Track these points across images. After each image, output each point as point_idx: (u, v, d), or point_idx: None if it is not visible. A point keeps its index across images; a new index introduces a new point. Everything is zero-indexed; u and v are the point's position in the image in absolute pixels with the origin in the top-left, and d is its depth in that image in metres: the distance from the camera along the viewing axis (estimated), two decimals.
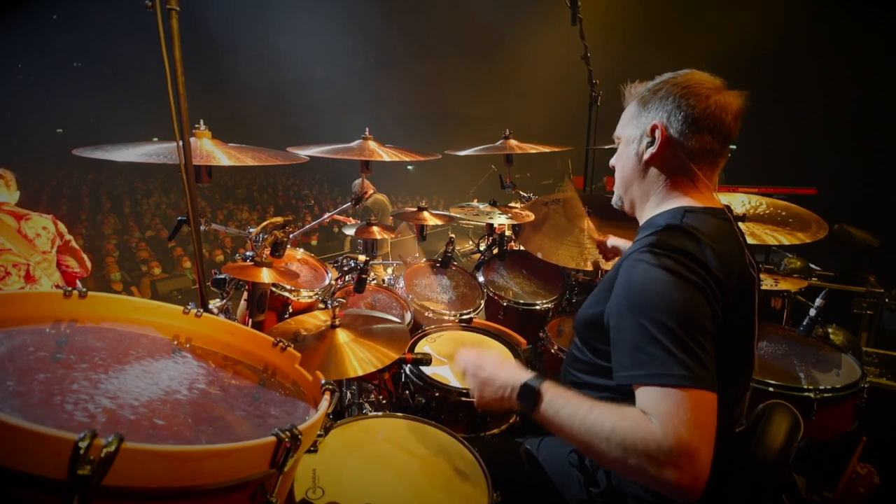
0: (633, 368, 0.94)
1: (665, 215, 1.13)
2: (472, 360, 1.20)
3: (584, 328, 1.21)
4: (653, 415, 0.88)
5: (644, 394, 0.92)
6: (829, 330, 2.91)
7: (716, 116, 1.08)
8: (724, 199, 2.46)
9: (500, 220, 2.58)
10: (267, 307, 1.78)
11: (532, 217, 2.57)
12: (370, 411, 1.91)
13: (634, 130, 1.18)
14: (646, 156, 1.15)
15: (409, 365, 1.76)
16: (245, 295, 1.89)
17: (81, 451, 0.52)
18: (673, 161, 1.13)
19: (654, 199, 1.19)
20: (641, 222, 1.22)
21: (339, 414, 1.90)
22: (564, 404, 0.99)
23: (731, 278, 1.02)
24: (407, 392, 1.81)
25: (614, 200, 1.31)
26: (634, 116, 1.18)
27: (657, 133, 1.12)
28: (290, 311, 2.07)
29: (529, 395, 1.04)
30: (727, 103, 1.09)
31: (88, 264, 3.04)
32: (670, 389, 0.89)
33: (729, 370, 1.07)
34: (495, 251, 2.75)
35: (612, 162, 1.29)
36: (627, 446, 0.87)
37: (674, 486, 0.84)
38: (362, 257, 2.11)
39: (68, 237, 2.92)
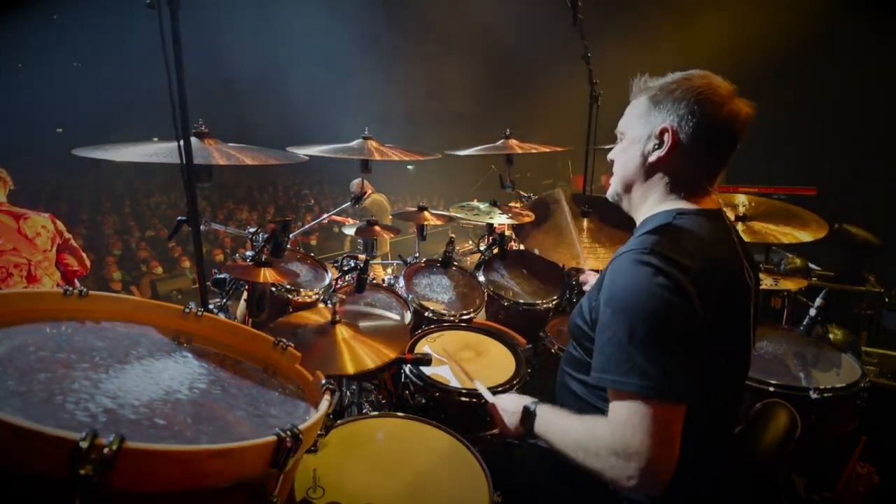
0: (603, 371, 0.99)
1: (660, 216, 1.13)
2: (494, 400, 1.37)
3: (577, 327, 1.21)
4: (609, 420, 0.97)
5: (610, 398, 0.99)
6: (829, 330, 2.91)
7: (726, 126, 1.07)
8: (725, 199, 2.46)
9: (500, 220, 2.58)
10: (267, 307, 1.78)
11: (532, 217, 2.57)
12: (370, 411, 1.91)
13: (642, 129, 1.14)
14: (651, 158, 1.13)
15: (408, 365, 1.76)
16: (245, 295, 1.89)
17: (83, 451, 0.52)
18: (678, 165, 1.12)
19: (652, 200, 1.17)
20: (638, 221, 1.22)
21: (339, 414, 1.90)
22: (551, 420, 1.14)
23: (717, 283, 1.01)
24: (407, 392, 1.81)
25: (610, 194, 1.28)
26: (643, 115, 1.14)
27: (667, 137, 1.09)
28: (290, 310, 2.07)
29: (528, 416, 1.19)
30: (738, 112, 1.08)
31: (87, 262, 3.04)
32: (628, 397, 0.94)
33: (720, 373, 1.07)
34: (495, 251, 2.75)
35: (611, 156, 1.25)
36: (587, 452, 1.00)
37: (627, 487, 0.93)
38: (362, 257, 2.11)
39: (67, 235, 2.92)
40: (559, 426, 1.10)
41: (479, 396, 1.68)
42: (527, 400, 1.23)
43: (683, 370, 0.94)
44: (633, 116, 1.17)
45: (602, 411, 1.08)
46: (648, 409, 0.91)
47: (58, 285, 2.61)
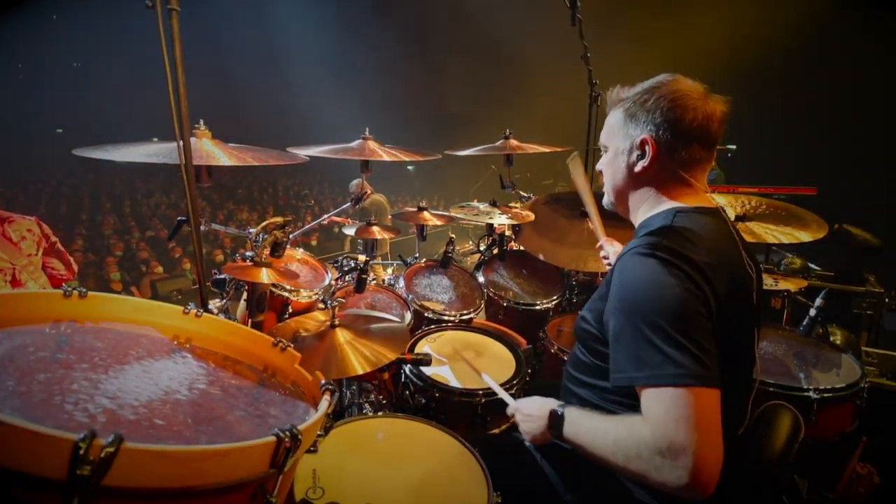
0: (631, 371, 0.96)
1: (658, 217, 1.15)
2: (516, 405, 1.28)
3: (584, 331, 1.21)
4: (646, 418, 0.92)
5: (643, 397, 0.94)
6: (830, 330, 2.91)
7: (703, 127, 1.09)
8: (725, 199, 2.46)
9: (500, 220, 2.58)
10: (267, 307, 1.78)
11: (532, 217, 2.57)
12: (370, 411, 1.91)
13: (622, 142, 1.17)
14: (637, 168, 1.16)
15: (408, 365, 1.76)
16: (245, 295, 1.89)
17: (81, 451, 0.52)
18: (664, 171, 1.15)
19: (647, 204, 1.20)
20: (636, 225, 1.24)
21: (339, 414, 1.90)
22: (582, 424, 1.06)
23: (722, 275, 1.02)
24: (407, 392, 1.81)
25: (606, 203, 1.32)
26: (621, 127, 1.18)
27: (647, 148, 1.12)
28: (290, 311, 2.07)
29: (556, 420, 1.10)
30: (713, 111, 1.10)
31: (75, 267, 2.97)
32: (663, 389, 0.90)
33: (727, 371, 1.07)
34: (495, 251, 2.74)
35: (599, 167, 1.29)
36: (628, 455, 0.93)
37: (678, 487, 0.86)
38: (362, 257, 2.11)
39: (54, 239, 2.86)
40: (591, 429, 1.03)
41: (478, 396, 1.68)
42: (552, 403, 1.15)
43: (710, 355, 0.92)
44: (613, 129, 1.21)
45: (614, 414, 1.07)
46: (689, 398, 0.87)
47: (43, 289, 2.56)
